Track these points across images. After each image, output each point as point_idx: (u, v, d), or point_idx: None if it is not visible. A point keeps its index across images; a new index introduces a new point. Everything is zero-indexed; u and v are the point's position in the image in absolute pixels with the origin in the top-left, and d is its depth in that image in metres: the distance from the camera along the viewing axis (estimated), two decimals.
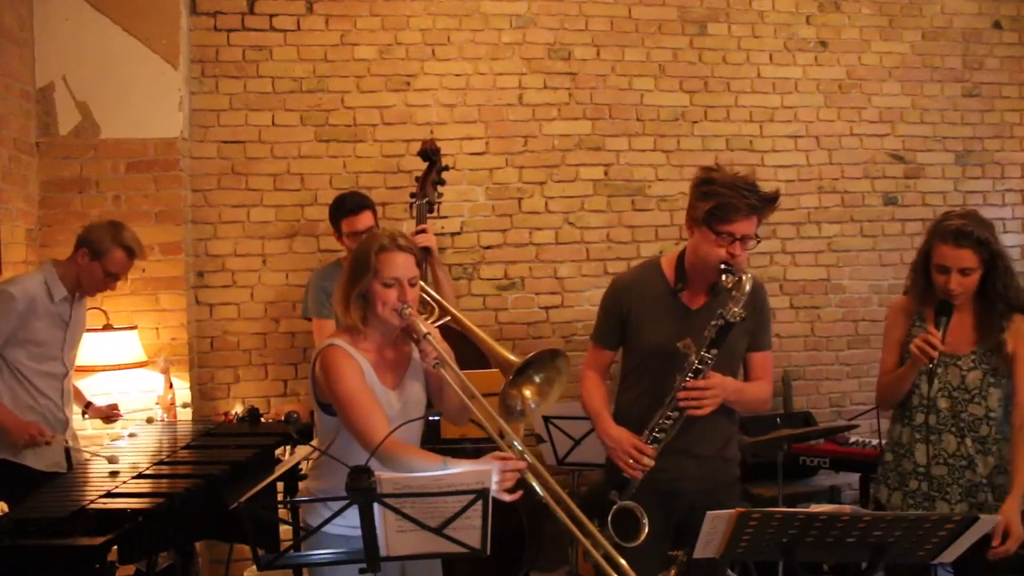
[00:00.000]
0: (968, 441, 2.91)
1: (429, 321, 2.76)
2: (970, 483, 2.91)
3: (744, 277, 2.64)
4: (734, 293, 2.64)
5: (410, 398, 2.61)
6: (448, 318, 2.96)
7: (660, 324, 2.79)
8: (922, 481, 2.94)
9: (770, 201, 2.70)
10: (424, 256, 3.95)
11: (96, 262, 3.59)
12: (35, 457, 3.51)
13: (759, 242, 2.78)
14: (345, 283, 2.55)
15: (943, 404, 2.93)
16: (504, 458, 2.26)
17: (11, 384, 3.52)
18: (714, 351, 2.66)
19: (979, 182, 5.61)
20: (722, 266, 2.66)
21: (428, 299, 3.09)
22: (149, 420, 4.00)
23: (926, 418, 2.94)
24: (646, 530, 2.60)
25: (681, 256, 2.85)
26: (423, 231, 3.99)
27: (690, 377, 2.67)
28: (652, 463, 2.69)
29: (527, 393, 2.61)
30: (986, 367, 2.91)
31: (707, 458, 2.82)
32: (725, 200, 2.62)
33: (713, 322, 2.66)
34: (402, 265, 2.50)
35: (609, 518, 2.65)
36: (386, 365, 2.59)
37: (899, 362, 3.01)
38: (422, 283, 2.67)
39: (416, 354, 2.62)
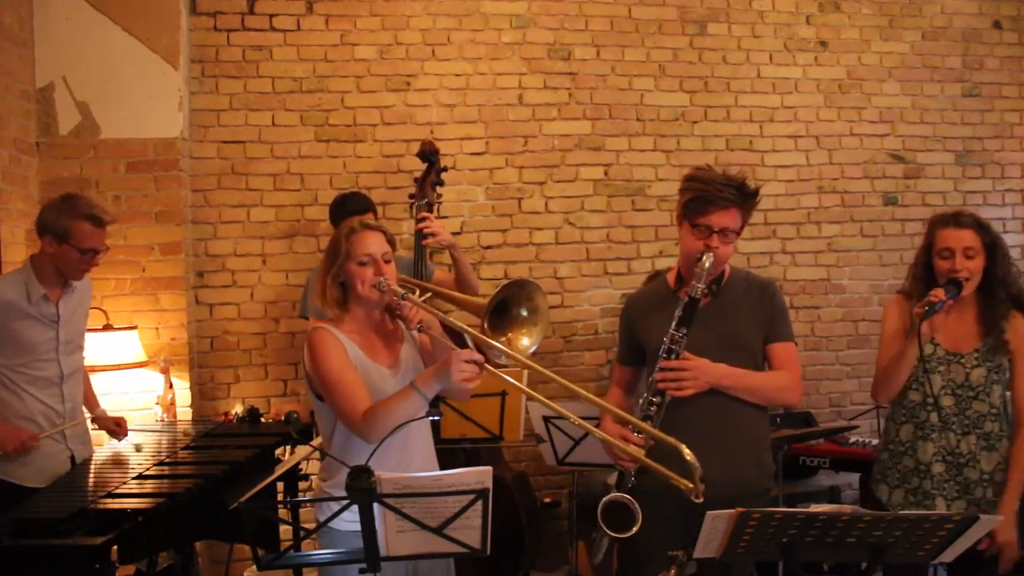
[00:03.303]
0: (972, 438, 2.92)
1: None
2: (968, 480, 2.92)
3: (704, 255, 2.68)
4: (696, 270, 2.69)
5: (408, 372, 2.62)
6: (429, 294, 2.96)
7: (664, 326, 2.79)
8: (923, 479, 2.95)
9: (748, 195, 2.74)
10: (420, 247, 3.99)
11: (65, 244, 3.26)
12: (32, 474, 3.27)
13: (738, 236, 2.80)
14: (322, 273, 2.62)
15: (947, 402, 2.93)
16: (463, 351, 2.35)
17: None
18: (683, 330, 2.69)
19: (979, 182, 5.61)
20: (699, 257, 2.71)
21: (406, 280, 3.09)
22: (138, 448, 3.61)
23: (929, 415, 2.95)
24: (639, 522, 2.60)
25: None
26: (424, 218, 4.00)
27: (663, 357, 2.69)
28: (640, 450, 2.62)
29: (514, 336, 2.55)
30: (989, 364, 2.93)
31: (736, 453, 2.75)
32: (700, 193, 2.71)
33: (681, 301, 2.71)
34: (373, 243, 2.57)
35: (599, 510, 2.66)
36: (377, 343, 2.62)
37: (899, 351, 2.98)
38: (402, 275, 2.71)
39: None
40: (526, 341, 2.53)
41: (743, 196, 2.73)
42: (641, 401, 2.73)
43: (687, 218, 2.75)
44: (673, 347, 2.70)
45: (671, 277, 2.94)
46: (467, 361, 2.33)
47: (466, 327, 2.50)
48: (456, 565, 2.71)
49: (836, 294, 5.44)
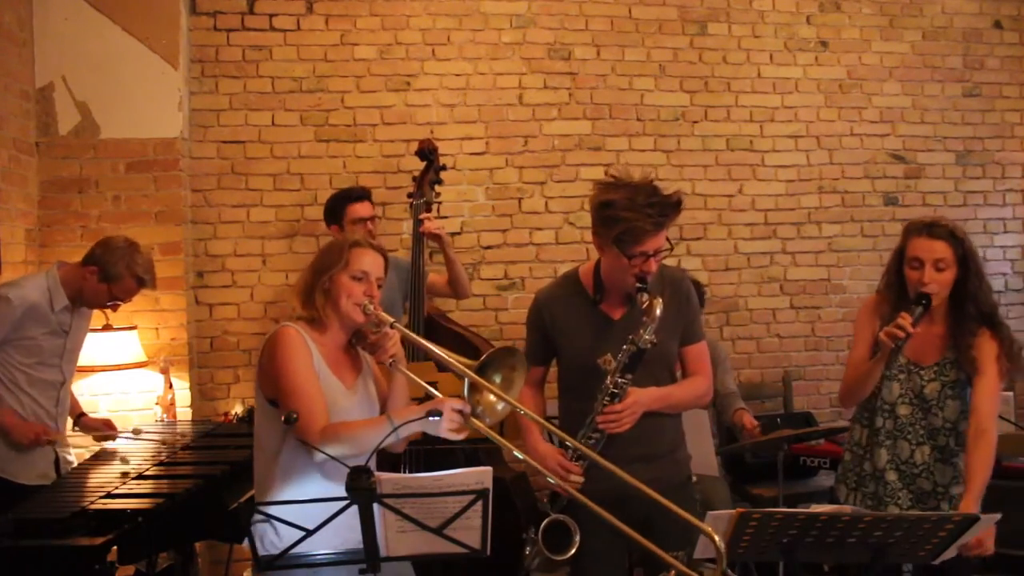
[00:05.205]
0: (926, 449, 2.88)
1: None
2: (921, 490, 2.88)
3: (655, 302, 2.61)
4: (644, 319, 2.62)
5: (363, 399, 2.57)
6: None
7: (583, 336, 2.78)
8: (879, 485, 2.92)
9: (673, 209, 2.64)
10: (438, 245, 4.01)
11: (104, 284, 3.44)
12: (21, 469, 3.37)
13: (672, 247, 2.74)
14: (309, 274, 2.55)
15: (903, 411, 2.91)
16: (452, 399, 2.30)
17: None
18: (628, 376, 2.66)
19: (979, 182, 5.61)
20: (638, 285, 2.65)
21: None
22: (136, 432, 3.71)
23: (884, 422, 2.92)
24: (577, 543, 2.58)
25: (598, 267, 2.83)
26: (427, 218, 4.02)
27: (607, 402, 2.67)
28: (580, 480, 2.64)
29: (489, 396, 2.45)
30: (945, 379, 2.88)
31: (656, 458, 2.77)
32: (630, 225, 2.58)
33: (625, 347, 2.64)
34: (372, 262, 2.52)
35: (540, 532, 2.64)
36: (342, 364, 2.56)
37: (868, 358, 2.93)
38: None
39: (368, 359, 2.62)
40: (493, 398, 2.44)
41: (669, 214, 2.63)
42: (580, 435, 2.68)
43: (619, 248, 2.62)
44: (616, 392, 2.67)
45: (587, 282, 2.84)
46: (456, 410, 2.29)
47: (467, 370, 2.38)
48: (456, 566, 2.70)
49: (836, 294, 5.43)
